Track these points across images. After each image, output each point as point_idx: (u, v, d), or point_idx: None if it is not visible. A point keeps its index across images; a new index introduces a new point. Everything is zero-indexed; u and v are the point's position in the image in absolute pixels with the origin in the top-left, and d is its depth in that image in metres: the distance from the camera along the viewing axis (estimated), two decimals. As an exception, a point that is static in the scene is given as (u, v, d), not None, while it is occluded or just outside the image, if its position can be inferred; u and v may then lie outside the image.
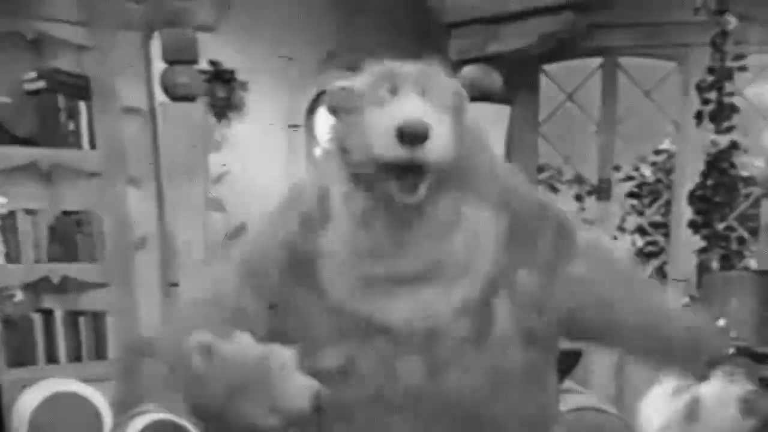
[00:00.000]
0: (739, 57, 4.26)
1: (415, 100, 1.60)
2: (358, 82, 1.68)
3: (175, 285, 4.41)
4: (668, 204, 5.11)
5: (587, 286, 1.74)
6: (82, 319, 4.21)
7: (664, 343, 1.77)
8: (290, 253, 1.74)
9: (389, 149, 1.55)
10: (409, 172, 1.57)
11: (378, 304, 1.67)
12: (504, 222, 1.72)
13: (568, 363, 3.41)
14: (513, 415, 1.70)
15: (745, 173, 4.74)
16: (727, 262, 4.43)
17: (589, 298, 1.75)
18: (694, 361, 1.78)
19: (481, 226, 1.70)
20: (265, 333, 1.66)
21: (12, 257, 4.02)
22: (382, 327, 1.66)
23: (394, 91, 1.62)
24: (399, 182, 1.59)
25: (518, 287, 1.71)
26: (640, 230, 6.21)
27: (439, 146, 1.56)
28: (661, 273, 5.30)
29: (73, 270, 4.16)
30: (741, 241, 4.65)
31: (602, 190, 4.93)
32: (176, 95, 4.25)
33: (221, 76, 4.78)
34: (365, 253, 1.67)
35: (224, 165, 4.80)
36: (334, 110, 1.70)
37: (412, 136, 1.53)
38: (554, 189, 6.57)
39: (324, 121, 5.25)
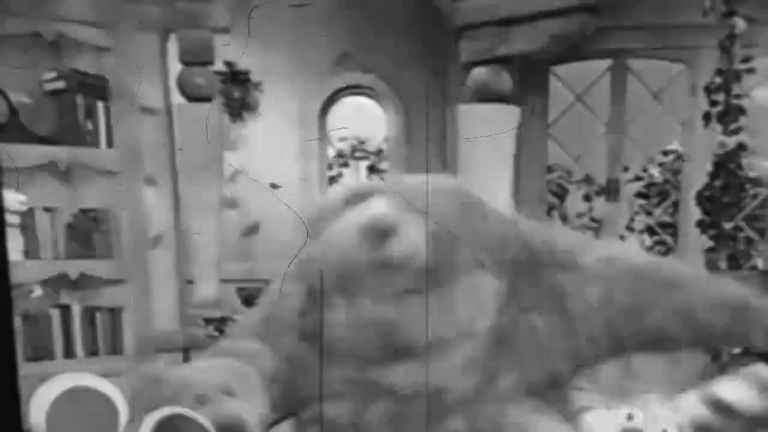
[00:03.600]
0: (747, 59, 4.28)
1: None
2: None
3: (190, 282, 4.47)
4: (676, 204, 5.14)
5: (607, 303, 1.74)
6: (98, 315, 4.25)
7: (703, 338, 1.73)
8: (303, 319, 1.83)
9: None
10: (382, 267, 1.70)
11: (383, 369, 1.73)
12: (506, 275, 1.78)
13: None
14: None
15: (752, 174, 4.75)
16: (734, 262, 4.44)
17: (612, 313, 1.74)
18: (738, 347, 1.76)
19: (479, 288, 1.75)
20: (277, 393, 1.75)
21: (31, 254, 4.05)
22: (388, 389, 1.72)
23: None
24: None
25: (529, 331, 1.75)
26: (649, 230, 6.23)
27: (405, 241, 1.68)
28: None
29: (91, 267, 4.19)
30: (748, 241, 4.65)
31: (611, 191, 4.95)
32: (192, 96, 4.32)
33: (236, 77, 4.83)
34: (362, 328, 1.75)
35: (230, 165, 4.85)
36: None
37: (374, 233, 1.68)
38: (563, 189, 6.59)
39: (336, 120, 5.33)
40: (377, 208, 1.74)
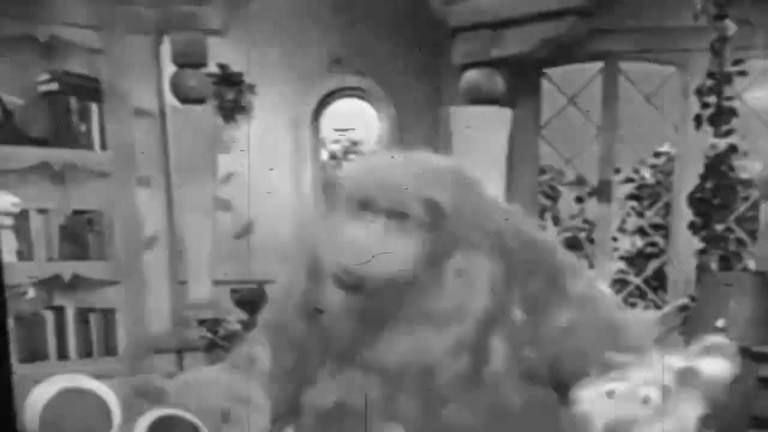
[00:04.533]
0: (738, 62, 4.30)
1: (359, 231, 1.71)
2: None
3: (184, 283, 4.48)
4: (668, 206, 5.14)
5: (568, 337, 1.76)
6: (92, 316, 4.28)
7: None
8: (302, 303, 1.85)
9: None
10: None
11: (373, 347, 1.74)
12: (499, 264, 1.77)
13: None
14: None
15: (743, 176, 4.76)
16: (725, 263, 4.45)
17: (569, 348, 1.75)
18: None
19: (474, 272, 1.75)
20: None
21: (24, 255, 4.08)
22: (378, 367, 1.73)
23: (362, 205, 1.73)
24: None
25: (514, 325, 1.75)
26: (641, 231, 6.26)
27: (380, 269, 1.68)
28: (660, 274, 5.36)
29: (84, 268, 4.23)
30: (740, 242, 4.66)
31: (603, 192, 4.95)
32: (185, 98, 4.33)
33: (229, 79, 4.84)
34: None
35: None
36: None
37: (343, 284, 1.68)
38: (556, 191, 6.61)
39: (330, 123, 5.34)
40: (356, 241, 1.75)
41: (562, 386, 1.75)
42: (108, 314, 4.32)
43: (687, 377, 1.52)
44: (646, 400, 1.51)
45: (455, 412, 1.70)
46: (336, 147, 6.19)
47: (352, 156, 6.14)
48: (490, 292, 1.74)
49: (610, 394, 1.52)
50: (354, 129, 5.52)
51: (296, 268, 1.92)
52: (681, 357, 1.57)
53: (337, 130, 5.29)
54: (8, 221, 3.93)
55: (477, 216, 1.81)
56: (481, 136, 4.48)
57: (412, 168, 1.82)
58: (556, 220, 6.54)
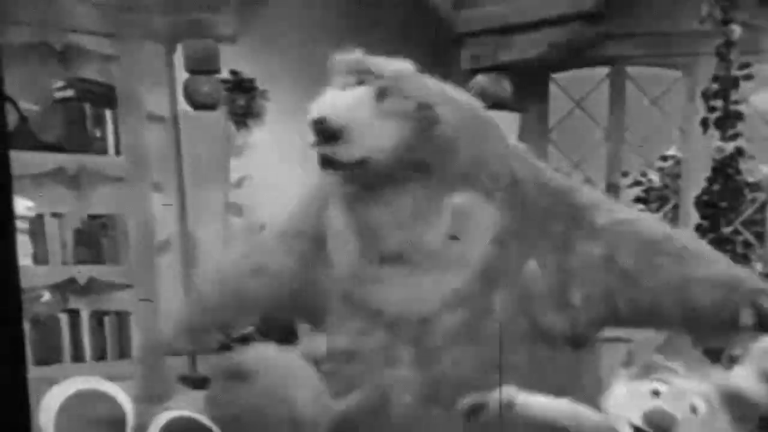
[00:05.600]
0: (744, 65, 4.31)
1: (335, 94, 1.69)
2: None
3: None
4: (675, 209, 5.15)
5: (608, 264, 1.72)
6: (106, 319, 4.29)
7: (692, 315, 1.72)
8: (311, 228, 1.86)
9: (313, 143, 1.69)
10: (328, 164, 1.67)
11: (374, 288, 1.74)
12: (510, 215, 1.73)
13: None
14: None
15: (750, 179, 4.76)
16: (733, 266, 4.47)
17: (612, 276, 1.72)
18: (724, 331, 1.73)
19: (477, 219, 1.71)
20: (285, 292, 1.78)
21: (39, 259, 4.09)
22: (378, 312, 1.73)
23: (356, 71, 1.71)
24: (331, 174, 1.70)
25: (525, 280, 1.72)
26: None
27: (356, 144, 1.64)
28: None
29: (99, 271, 4.25)
30: (746, 245, 4.67)
31: (611, 195, 4.98)
32: (198, 104, 4.37)
33: (241, 86, 4.87)
34: (353, 231, 1.77)
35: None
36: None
37: (320, 133, 1.65)
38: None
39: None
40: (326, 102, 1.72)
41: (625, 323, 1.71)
42: (122, 317, 4.35)
43: (732, 400, 1.54)
44: (694, 409, 1.53)
45: (450, 365, 1.68)
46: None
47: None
48: (495, 242, 1.70)
49: (655, 393, 1.52)
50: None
51: (308, 199, 1.97)
52: (728, 376, 1.58)
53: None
54: (24, 225, 3.97)
55: (485, 155, 1.76)
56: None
57: (428, 79, 1.79)
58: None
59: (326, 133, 1.65)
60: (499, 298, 1.73)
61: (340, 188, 1.79)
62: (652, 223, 1.95)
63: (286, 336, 3.06)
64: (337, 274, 1.83)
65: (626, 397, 1.55)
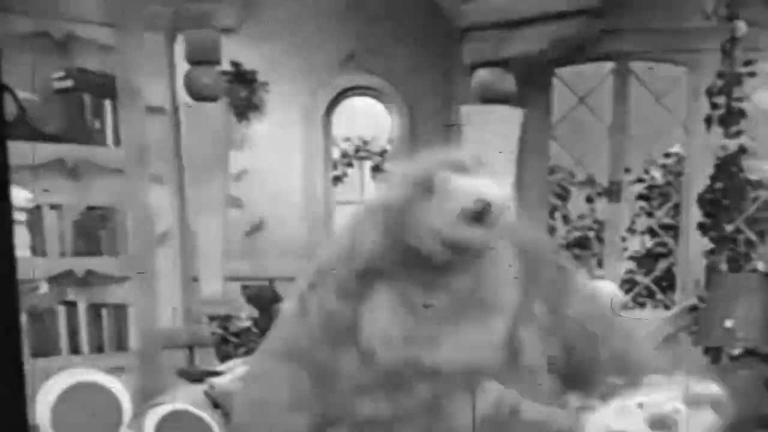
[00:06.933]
0: (748, 63, 4.30)
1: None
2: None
3: (195, 279, 4.51)
4: (678, 206, 5.15)
5: (579, 323, 1.85)
6: (104, 312, 4.28)
7: (635, 367, 1.83)
8: (330, 326, 1.81)
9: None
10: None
11: (422, 347, 1.75)
12: (521, 261, 1.81)
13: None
14: None
15: (753, 177, 4.76)
16: (734, 264, 4.46)
17: (581, 333, 1.84)
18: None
19: (507, 263, 1.79)
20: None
21: (38, 251, 4.08)
22: (428, 368, 1.72)
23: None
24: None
25: (536, 318, 1.80)
26: (650, 231, 6.25)
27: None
28: (669, 274, 5.36)
29: (97, 264, 4.24)
30: (749, 243, 4.66)
31: (613, 192, 4.96)
32: (199, 95, 4.35)
33: (242, 77, 4.86)
34: (409, 304, 1.75)
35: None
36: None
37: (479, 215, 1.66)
38: (566, 190, 6.61)
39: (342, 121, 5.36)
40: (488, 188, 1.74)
41: (569, 375, 1.83)
42: (120, 309, 4.33)
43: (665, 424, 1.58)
44: (677, 411, 1.57)
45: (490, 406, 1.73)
46: (347, 145, 6.22)
47: (363, 154, 6.16)
48: (518, 285, 1.78)
49: (639, 405, 1.58)
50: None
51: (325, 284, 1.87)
52: (665, 399, 1.62)
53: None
54: (22, 216, 3.96)
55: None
56: (492, 135, 4.49)
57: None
58: (566, 220, 6.54)
59: (485, 217, 1.68)
60: (525, 334, 1.79)
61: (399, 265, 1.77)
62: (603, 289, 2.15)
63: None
64: (372, 353, 1.81)
65: (612, 415, 1.60)
